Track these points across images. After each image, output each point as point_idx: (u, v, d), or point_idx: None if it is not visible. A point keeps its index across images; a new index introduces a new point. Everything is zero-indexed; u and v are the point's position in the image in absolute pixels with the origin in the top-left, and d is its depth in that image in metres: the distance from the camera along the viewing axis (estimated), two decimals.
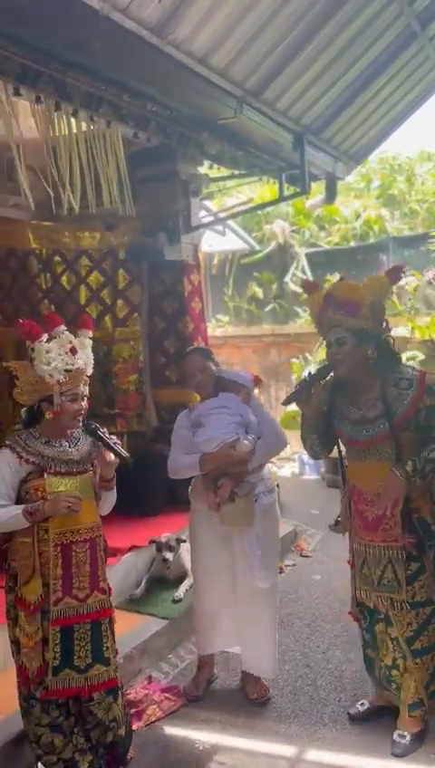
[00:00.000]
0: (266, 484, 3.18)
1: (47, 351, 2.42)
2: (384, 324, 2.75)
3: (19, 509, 2.41)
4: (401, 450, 2.66)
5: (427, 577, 2.74)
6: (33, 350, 2.44)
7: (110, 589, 2.67)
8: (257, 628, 3.17)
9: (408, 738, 2.76)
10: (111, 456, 2.55)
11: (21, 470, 2.48)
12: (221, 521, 3.01)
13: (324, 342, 2.78)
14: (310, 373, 2.83)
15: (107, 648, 2.56)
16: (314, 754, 2.81)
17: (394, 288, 2.90)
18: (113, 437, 2.60)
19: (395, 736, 2.78)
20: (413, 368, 2.85)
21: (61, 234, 5.48)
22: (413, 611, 2.74)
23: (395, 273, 2.72)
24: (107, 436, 2.57)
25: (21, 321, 2.49)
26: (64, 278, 5.58)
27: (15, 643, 2.54)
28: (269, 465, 3.35)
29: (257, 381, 3.23)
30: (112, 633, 2.63)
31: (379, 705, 3.00)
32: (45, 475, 2.47)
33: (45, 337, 2.45)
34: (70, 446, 2.57)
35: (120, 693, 2.64)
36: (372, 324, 2.68)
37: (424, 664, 2.78)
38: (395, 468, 2.61)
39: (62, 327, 2.51)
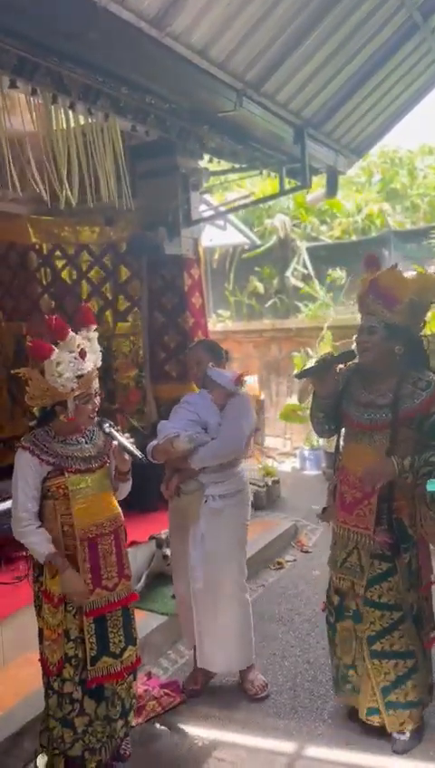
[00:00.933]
0: (222, 489, 3.11)
1: (57, 364, 2.39)
2: (421, 324, 2.73)
3: (46, 551, 2.46)
4: (396, 444, 2.63)
5: (397, 581, 2.69)
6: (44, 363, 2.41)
7: None
8: (214, 627, 3.16)
9: (406, 736, 2.74)
10: (126, 455, 2.58)
11: (42, 470, 2.50)
12: (168, 513, 3.15)
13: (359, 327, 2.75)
14: (332, 354, 2.81)
15: (134, 628, 2.70)
16: (313, 750, 2.81)
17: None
18: (126, 435, 2.61)
19: (393, 734, 2.76)
20: None
21: (60, 228, 5.46)
22: (379, 612, 2.71)
23: None
24: (121, 434, 2.59)
25: (29, 341, 2.47)
26: (65, 273, 5.56)
27: (41, 633, 2.58)
28: (242, 470, 3.26)
29: (238, 381, 3.17)
30: None
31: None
32: (66, 474, 2.50)
33: (55, 353, 2.40)
34: (86, 443, 2.59)
35: (136, 672, 2.76)
36: (407, 321, 2.64)
37: (383, 668, 2.72)
38: (393, 457, 2.60)
39: (72, 334, 2.46)
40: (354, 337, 2.78)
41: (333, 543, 2.90)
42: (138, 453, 2.57)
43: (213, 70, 3.71)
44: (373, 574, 2.70)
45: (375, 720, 2.77)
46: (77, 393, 2.46)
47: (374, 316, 2.65)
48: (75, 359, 2.44)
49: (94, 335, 2.60)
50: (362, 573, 2.72)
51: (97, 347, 2.59)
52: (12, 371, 2.61)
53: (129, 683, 2.68)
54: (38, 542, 2.48)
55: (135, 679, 2.73)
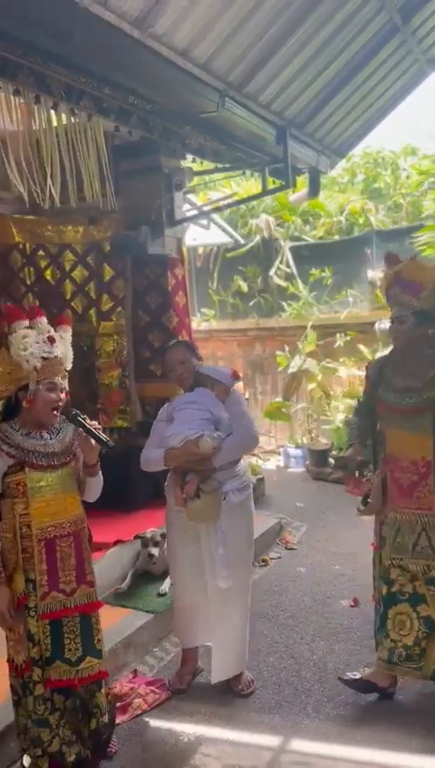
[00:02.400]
0: (238, 482, 3.13)
1: (24, 337, 2.40)
2: None
3: None
4: None
5: None
6: (10, 335, 2.42)
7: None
8: (227, 627, 3.16)
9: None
10: (93, 443, 2.53)
11: (2, 463, 2.46)
12: (188, 517, 3.02)
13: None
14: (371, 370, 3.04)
15: (98, 640, 2.58)
16: (297, 744, 2.85)
17: (377, 281, 3.01)
18: (94, 423, 2.56)
19: None
20: None
21: (44, 228, 5.46)
22: None
23: None
24: (88, 422, 2.54)
25: (5, 305, 2.48)
26: (48, 272, 5.56)
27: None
28: (246, 461, 3.30)
29: (236, 377, 3.20)
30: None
31: (370, 682, 3.05)
32: (26, 470, 2.45)
33: (25, 323, 2.42)
34: (51, 438, 2.54)
35: (103, 682, 2.65)
36: (433, 305, 2.77)
37: None
38: None
39: (43, 318, 2.50)
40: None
41: (394, 532, 2.92)
42: (104, 437, 2.51)
43: (195, 71, 3.73)
44: None
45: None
46: (40, 377, 2.44)
47: (402, 306, 2.80)
48: (43, 341, 2.45)
49: (68, 337, 2.59)
50: (434, 555, 2.81)
51: (69, 348, 2.58)
52: None
53: (91, 691, 2.60)
54: None
55: (99, 689, 2.62)
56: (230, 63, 4.05)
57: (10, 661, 2.53)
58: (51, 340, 2.47)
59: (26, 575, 2.47)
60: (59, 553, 2.49)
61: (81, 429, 2.54)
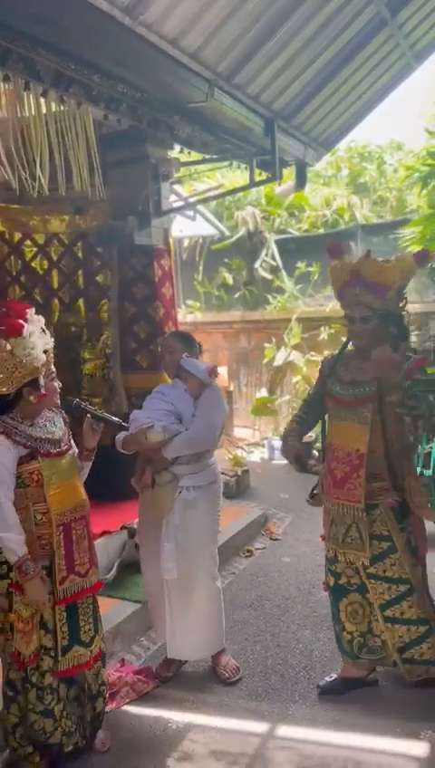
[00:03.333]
0: (195, 480, 3.14)
1: (30, 335, 2.39)
2: (403, 303, 2.86)
3: (21, 553, 2.41)
4: (383, 416, 2.75)
5: (399, 557, 2.82)
6: (11, 341, 2.38)
7: None
8: (185, 616, 3.18)
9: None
10: (98, 426, 2.59)
11: (16, 453, 2.45)
12: (143, 505, 3.13)
13: (347, 318, 2.87)
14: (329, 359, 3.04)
15: (99, 617, 2.69)
16: (284, 730, 2.88)
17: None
18: (97, 408, 2.63)
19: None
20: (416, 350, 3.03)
21: (29, 217, 5.41)
22: (386, 584, 2.85)
23: (423, 258, 2.79)
24: (92, 408, 2.60)
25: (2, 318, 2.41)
26: (35, 262, 5.51)
27: (3, 631, 2.52)
28: (215, 462, 3.30)
29: (212, 373, 3.21)
30: None
31: (347, 677, 3.08)
32: (39, 459, 2.47)
33: (27, 328, 2.39)
34: (53, 425, 2.58)
35: (103, 658, 2.76)
36: (396, 304, 2.80)
37: (396, 632, 2.88)
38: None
39: (32, 310, 2.49)
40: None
41: (329, 523, 2.97)
42: (116, 419, 2.57)
43: (185, 60, 3.71)
44: (374, 553, 2.82)
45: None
46: (44, 370, 2.46)
47: (366, 306, 2.77)
48: (42, 332, 2.47)
49: (41, 320, 2.56)
50: (363, 545, 2.83)
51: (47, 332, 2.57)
52: None
53: (97, 668, 2.69)
54: (15, 542, 2.41)
55: (104, 666, 2.74)
56: (219, 54, 4.04)
57: (16, 654, 2.49)
58: (43, 329, 2.50)
59: (41, 562, 2.49)
60: (74, 536, 2.55)
61: (89, 416, 2.59)
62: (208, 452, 3.23)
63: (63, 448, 2.56)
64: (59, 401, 2.60)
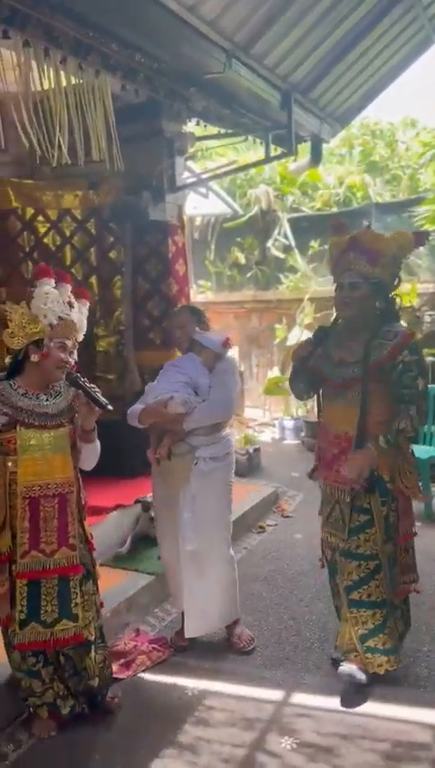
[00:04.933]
0: (212, 451, 3.15)
1: (47, 293, 2.44)
2: (397, 281, 2.80)
3: None
4: (368, 399, 2.71)
5: (374, 532, 2.78)
6: (33, 288, 2.45)
7: (91, 545, 2.72)
8: (200, 588, 3.20)
9: (356, 674, 2.82)
10: (92, 407, 2.53)
11: None
12: (159, 476, 3.12)
13: (336, 285, 2.81)
14: (314, 335, 2.90)
15: (75, 604, 2.57)
16: (299, 698, 2.91)
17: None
18: (94, 387, 2.56)
19: (342, 671, 2.84)
20: (405, 327, 2.90)
21: (42, 192, 5.38)
22: (355, 562, 2.81)
23: (421, 237, 2.76)
24: (88, 385, 2.54)
25: (40, 263, 2.53)
26: (48, 238, 5.49)
27: None
28: (231, 434, 3.32)
29: (226, 344, 3.21)
30: (93, 588, 2.69)
31: None
32: (18, 428, 2.47)
33: (51, 282, 2.46)
34: (47, 400, 2.56)
35: (93, 647, 2.68)
36: (387, 277, 2.73)
37: (361, 618, 2.83)
38: (370, 444, 2.68)
39: (69, 285, 2.56)
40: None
41: (321, 501, 2.99)
42: (103, 400, 2.50)
43: (203, 28, 3.66)
44: (352, 526, 2.80)
45: (355, 659, 2.86)
46: (53, 335, 2.47)
47: (356, 272, 2.71)
48: (64, 302, 2.50)
49: (85, 310, 2.63)
50: (344, 526, 2.82)
51: (85, 321, 2.62)
52: None
53: (80, 654, 2.65)
54: None
55: (87, 654, 2.65)
56: (237, 23, 3.98)
57: None
58: (70, 304, 2.53)
59: (13, 531, 2.50)
60: (42, 513, 2.50)
61: (80, 392, 2.54)
62: (223, 423, 3.24)
63: (50, 424, 2.53)
64: (62, 376, 2.55)
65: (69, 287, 2.56)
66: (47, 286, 2.45)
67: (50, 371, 2.52)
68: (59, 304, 2.47)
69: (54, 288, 2.48)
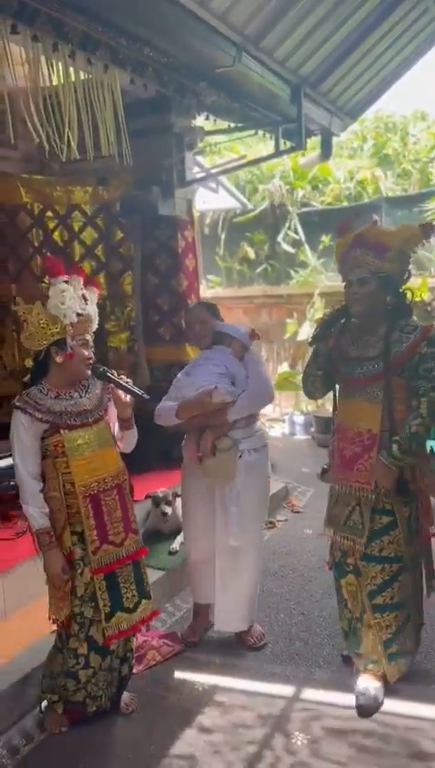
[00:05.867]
0: (254, 442, 3.15)
1: (63, 291, 2.40)
2: (406, 275, 2.76)
3: (38, 525, 2.48)
4: (390, 394, 2.67)
5: (398, 534, 2.73)
6: (48, 288, 2.43)
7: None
8: (235, 584, 3.19)
9: (372, 691, 2.77)
10: (126, 396, 2.55)
11: (37, 429, 2.47)
12: (203, 474, 3.05)
13: (345, 283, 2.77)
14: (331, 311, 2.86)
15: (147, 582, 2.69)
16: (309, 693, 2.91)
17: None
18: (123, 377, 2.58)
19: (359, 687, 2.80)
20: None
21: (52, 188, 5.38)
22: (379, 566, 2.75)
23: (427, 230, 2.70)
24: (117, 376, 2.56)
25: (47, 255, 2.54)
26: (57, 234, 5.50)
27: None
28: (260, 423, 3.31)
29: (253, 335, 3.21)
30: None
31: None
32: (62, 431, 2.47)
33: (64, 278, 2.43)
34: (81, 396, 2.55)
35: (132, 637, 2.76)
36: (396, 270, 2.69)
37: (385, 621, 2.78)
38: (382, 455, 2.64)
39: (80, 278, 2.52)
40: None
41: (333, 503, 2.90)
42: (138, 390, 2.52)
43: (213, 22, 3.63)
44: (375, 528, 2.73)
45: (376, 670, 2.81)
46: (74, 332, 2.45)
47: (364, 267, 2.68)
48: (79, 297, 2.47)
49: (95, 298, 2.60)
50: (363, 530, 2.74)
51: (97, 310, 2.59)
52: (13, 308, 2.62)
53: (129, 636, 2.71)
54: (34, 515, 2.47)
55: (148, 629, 2.79)
56: (247, 16, 3.96)
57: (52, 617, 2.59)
58: (84, 297, 2.50)
59: (72, 528, 2.51)
60: (105, 507, 2.54)
61: (112, 385, 2.56)
62: (256, 415, 3.23)
63: (90, 420, 2.53)
64: (89, 372, 2.56)
65: (81, 279, 2.52)
66: (62, 284, 2.41)
67: (77, 370, 2.51)
68: (76, 301, 2.44)
69: (68, 284, 2.45)
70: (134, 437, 2.73)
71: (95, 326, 2.59)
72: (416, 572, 2.85)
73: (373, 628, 2.80)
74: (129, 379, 2.59)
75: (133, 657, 2.77)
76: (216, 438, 3.01)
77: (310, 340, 2.92)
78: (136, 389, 2.53)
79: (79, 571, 2.53)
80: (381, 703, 2.77)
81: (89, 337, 2.53)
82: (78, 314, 2.44)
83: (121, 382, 2.53)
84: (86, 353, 2.50)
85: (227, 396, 2.95)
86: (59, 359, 2.45)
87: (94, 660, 2.62)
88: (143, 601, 2.66)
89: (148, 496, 4.39)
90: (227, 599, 3.22)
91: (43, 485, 2.51)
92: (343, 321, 2.87)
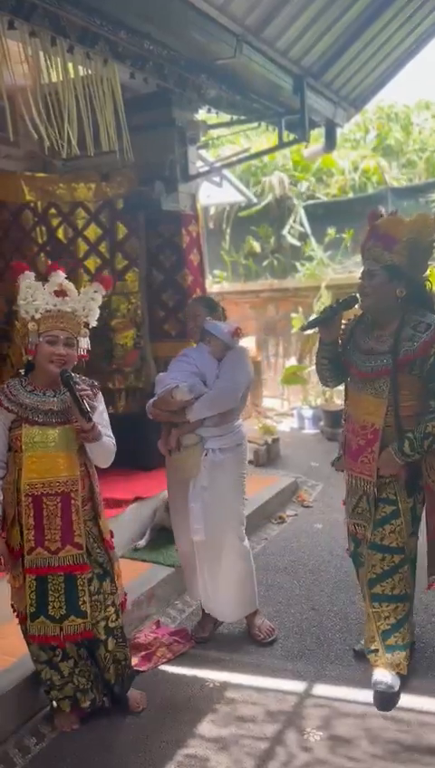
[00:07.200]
0: (223, 441, 3.12)
1: (27, 287, 2.43)
2: (423, 266, 2.69)
3: None
4: (397, 390, 2.63)
5: (400, 524, 2.72)
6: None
7: (109, 543, 2.68)
8: (216, 573, 3.20)
9: (385, 684, 2.75)
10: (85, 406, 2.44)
11: (6, 418, 2.49)
12: (170, 468, 3.13)
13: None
14: (338, 301, 2.82)
15: (84, 601, 2.55)
16: (320, 689, 2.89)
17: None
18: (85, 388, 2.50)
19: (373, 678, 2.78)
20: None
21: (55, 185, 5.36)
22: (380, 555, 2.75)
23: None
24: (79, 387, 2.45)
25: (13, 263, 2.54)
26: (60, 231, 5.48)
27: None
28: (242, 424, 3.29)
29: (235, 333, 3.17)
30: (112, 587, 2.66)
31: None
32: (23, 426, 2.46)
33: (31, 275, 2.45)
34: (54, 396, 2.53)
35: (101, 644, 2.67)
36: (407, 262, 2.61)
37: (383, 612, 2.77)
38: (392, 448, 2.62)
39: (61, 273, 2.50)
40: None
41: (346, 491, 2.92)
42: (85, 407, 2.40)
43: (213, 13, 3.60)
44: (378, 517, 2.74)
45: (377, 661, 2.81)
46: (42, 329, 2.44)
47: (373, 260, 2.64)
48: (50, 293, 2.45)
49: (98, 297, 2.57)
50: (370, 518, 2.75)
51: (96, 308, 2.56)
52: (14, 307, 2.61)
53: (92, 648, 2.68)
54: None
55: (98, 648, 2.67)
56: (248, 6, 3.92)
57: (14, 608, 2.65)
58: (59, 293, 2.46)
59: (21, 528, 2.51)
60: (45, 511, 2.48)
61: (68, 394, 2.44)
62: (234, 414, 3.20)
63: (55, 421, 2.49)
64: (56, 370, 2.45)
65: (61, 275, 2.50)
66: (27, 280, 2.43)
67: (43, 367, 2.49)
68: (43, 297, 2.43)
69: (46, 281, 2.45)
70: (104, 451, 2.60)
71: (92, 321, 2.56)
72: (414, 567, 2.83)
73: (372, 617, 2.80)
74: (91, 392, 2.51)
75: (105, 671, 2.72)
76: (181, 435, 3.05)
77: (302, 325, 2.91)
78: (85, 406, 2.40)
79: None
80: (398, 694, 2.75)
81: (63, 334, 2.46)
82: (46, 310, 2.44)
83: (75, 392, 2.41)
84: (52, 350, 2.45)
85: (186, 394, 2.97)
86: (26, 354, 2.47)
87: (70, 648, 2.62)
88: (72, 617, 2.53)
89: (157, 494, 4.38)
90: (214, 589, 3.23)
91: (5, 474, 2.53)
92: (358, 313, 2.84)
